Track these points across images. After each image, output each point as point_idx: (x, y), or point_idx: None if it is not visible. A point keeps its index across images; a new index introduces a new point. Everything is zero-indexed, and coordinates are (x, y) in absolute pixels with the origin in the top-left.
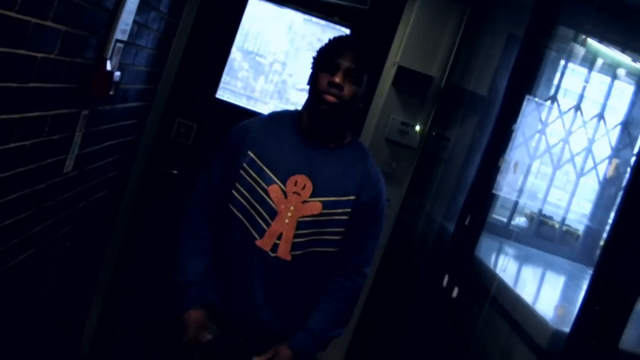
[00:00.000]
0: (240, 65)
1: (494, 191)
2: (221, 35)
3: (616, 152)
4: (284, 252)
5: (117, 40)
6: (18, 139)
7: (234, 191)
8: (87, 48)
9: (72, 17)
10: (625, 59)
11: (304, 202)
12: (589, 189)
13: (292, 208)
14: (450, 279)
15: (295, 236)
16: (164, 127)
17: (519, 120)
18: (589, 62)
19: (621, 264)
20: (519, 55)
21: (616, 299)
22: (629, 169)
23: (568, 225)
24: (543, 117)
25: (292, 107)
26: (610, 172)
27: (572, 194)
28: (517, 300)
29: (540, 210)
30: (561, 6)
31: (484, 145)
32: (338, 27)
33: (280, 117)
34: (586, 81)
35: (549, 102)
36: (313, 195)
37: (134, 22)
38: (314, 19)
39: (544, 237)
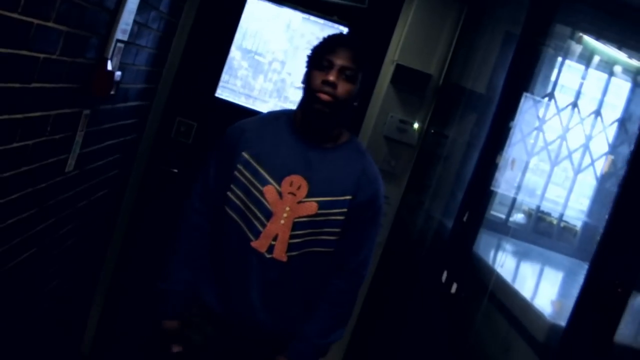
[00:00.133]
0: (239, 64)
1: (492, 188)
2: (220, 34)
3: (613, 148)
4: (279, 253)
5: (118, 40)
6: (21, 138)
7: (229, 193)
8: (88, 48)
9: (73, 17)
10: (622, 56)
11: (300, 202)
12: (587, 185)
13: (287, 209)
14: (449, 275)
15: (291, 237)
16: (164, 126)
17: (516, 117)
18: (586, 59)
19: (616, 258)
20: (516, 52)
21: (611, 293)
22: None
23: (566, 222)
24: (540, 114)
25: (291, 106)
26: (605, 169)
27: (570, 191)
28: (515, 295)
29: (538, 207)
30: (557, 4)
31: (482, 142)
32: (337, 25)
33: (275, 117)
34: (583, 78)
35: (546, 99)
36: (309, 195)
37: (135, 22)
38: (313, 18)
39: (542, 233)
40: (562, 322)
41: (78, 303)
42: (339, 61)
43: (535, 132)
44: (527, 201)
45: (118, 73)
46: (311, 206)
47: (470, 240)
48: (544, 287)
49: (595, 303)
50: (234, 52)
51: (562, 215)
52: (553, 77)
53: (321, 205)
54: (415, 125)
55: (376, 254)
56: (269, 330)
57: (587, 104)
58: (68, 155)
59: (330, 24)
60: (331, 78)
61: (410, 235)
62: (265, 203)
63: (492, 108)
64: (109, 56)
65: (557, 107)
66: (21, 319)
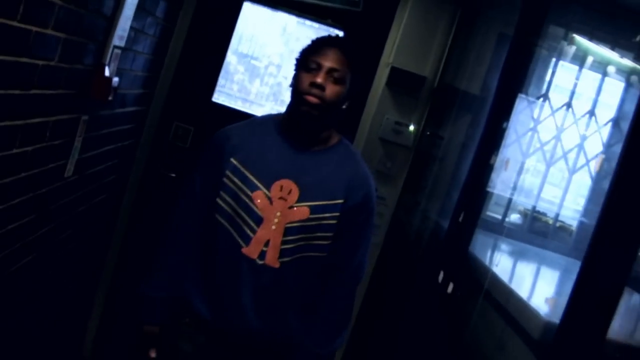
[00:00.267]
0: (235, 68)
1: (488, 189)
2: (216, 39)
3: (608, 148)
4: (272, 259)
5: (115, 46)
6: (21, 145)
7: (218, 199)
8: (86, 54)
9: (71, 24)
10: (615, 56)
11: (291, 207)
12: (583, 185)
13: (278, 214)
14: (446, 275)
15: (283, 242)
16: (162, 130)
17: (510, 118)
18: (580, 60)
19: (608, 256)
20: (509, 53)
21: (604, 290)
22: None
23: (562, 221)
24: (535, 114)
25: None
26: (597, 167)
27: (565, 191)
28: (511, 294)
29: (534, 207)
30: (550, 5)
31: (476, 143)
32: (332, 29)
33: (262, 121)
34: (577, 79)
35: (540, 100)
36: (300, 200)
37: (131, 28)
38: (308, 22)
39: (538, 233)
40: (557, 320)
41: (79, 306)
42: (327, 63)
43: (530, 133)
44: (523, 201)
45: (116, 79)
46: (303, 211)
47: (466, 240)
48: (540, 286)
49: (588, 300)
50: (230, 57)
51: (557, 215)
52: (547, 78)
53: (313, 209)
54: (411, 127)
55: (373, 255)
56: (262, 338)
57: (582, 104)
58: (67, 161)
59: (325, 27)
60: (319, 80)
61: (407, 236)
62: (255, 209)
63: (486, 109)
64: (107, 62)
65: (551, 107)
66: (22, 323)
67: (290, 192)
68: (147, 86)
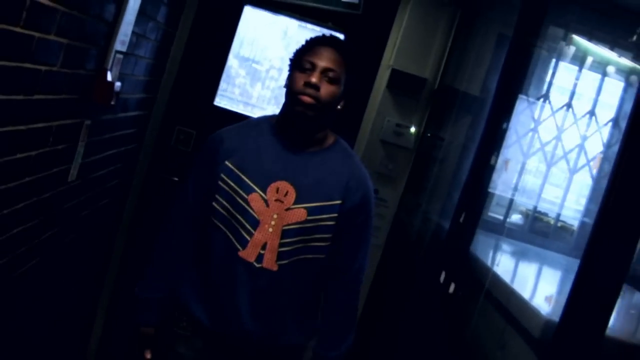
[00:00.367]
0: (237, 72)
1: (489, 190)
2: (217, 43)
3: (608, 147)
4: (269, 262)
5: (117, 51)
6: (24, 149)
7: (214, 203)
8: (88, 59)
9: (73, 30)
10: (614, 56)
11: (288, 209)
12: (584, 184)
13: (275, 216)
14: (447, 275)
15: (281, 245)
16: (164, 134)
17: (511, 118)
18: (579, 60)
19: (606, 255)
20: (509, 55)
21: (602, 289)
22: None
23: (563, 221)
24: (536, 115)
25: None
26: (596, 166)
27: (566, 190)
28: (512, 294)
29: (536, 207)
30: (549, 6)
31: (477, 144)
32: (332, 32)
33: (257, 123)
34: (577, 79)
35: (541, 101)
36: (297, 201)
37: (133, 32)
38: (309, 25)
39: (539, 233)
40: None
41: (82, 310)
42: (322, 62)
43: (530, 133)
44: (525, 202)
45: (118, 83)
46: (300, 213)
47: (467, 240)
48: (541, 285)
49: (587, 298)
50: (232, 61)
51: (559, 215)
52: (547, 79)
53: (310, 211)
54: (412, 129)
55: (375, 257)
56: (261, 342)
57: (582, 105)
58: (70, 165)
59: (326, 30)
60: (313, 80)
61: (409, 237)
62: (251, 211)
63: (486, 110)
64: (109, 67)
65: (551, 108)
66: (27, 326)
67: (286, 194)
68: (149, 90)
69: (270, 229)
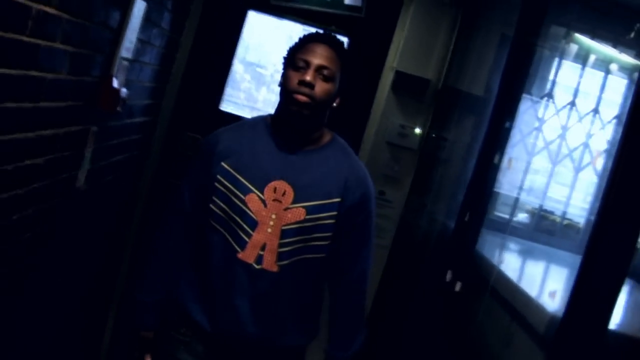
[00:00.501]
0: (242, 77)
1: (494, 189)
2: (222, 48)
3: (612, 145)
4: (269, 263)
5: (122, 58)
6: (32, 156)
7: (211, 205)
8: (93, 66)
9: (78, 37)
10: (617, 54)
11: (286, 209)
12: (589, 182)
13: (273, 216)
14: (453, 274)
15: (280, 245)
16: (170, 140)
17: (514, 118)
18: (582, 58)
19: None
20: (511, 54)
21: (604, 284)
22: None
23: (569, 219)
24: (540, 114)
25: None
26: (594, 163)
27: (572, 189)
28: (517, 291)
29: (541, 206)
30: (549, 5)
31: (481, 144)
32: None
33: (252, 123)
34: (580, 77)
35: (544, 99)
36: (295, 201)
37: (138, 39)
38: (313, 29)
39: (545, 231)
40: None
41: (93, 315)
42: (316, 60)
43: (535, 132)
44: (530, 201)
45: (124, 90)
46: (298, 212)
47: (472, 239)
48: (548, 282)
49: (590, 293)
50: (237, 65)
51: (565, 213)
52: (551, 77)
53: (309, 210)
54: (417, 130)
55: (382, 257)
56: (261, 344)
57: (586, 103)
58: (78, 172)
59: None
60: (307, 78)
61: (415, 238)
62: (249, 212)
63: (490, 110)
64: (114, 73)
65: (555, 106)
66: (39, 333)
67: (284, 193)
68: (155, 96)
69: (269, 230)
